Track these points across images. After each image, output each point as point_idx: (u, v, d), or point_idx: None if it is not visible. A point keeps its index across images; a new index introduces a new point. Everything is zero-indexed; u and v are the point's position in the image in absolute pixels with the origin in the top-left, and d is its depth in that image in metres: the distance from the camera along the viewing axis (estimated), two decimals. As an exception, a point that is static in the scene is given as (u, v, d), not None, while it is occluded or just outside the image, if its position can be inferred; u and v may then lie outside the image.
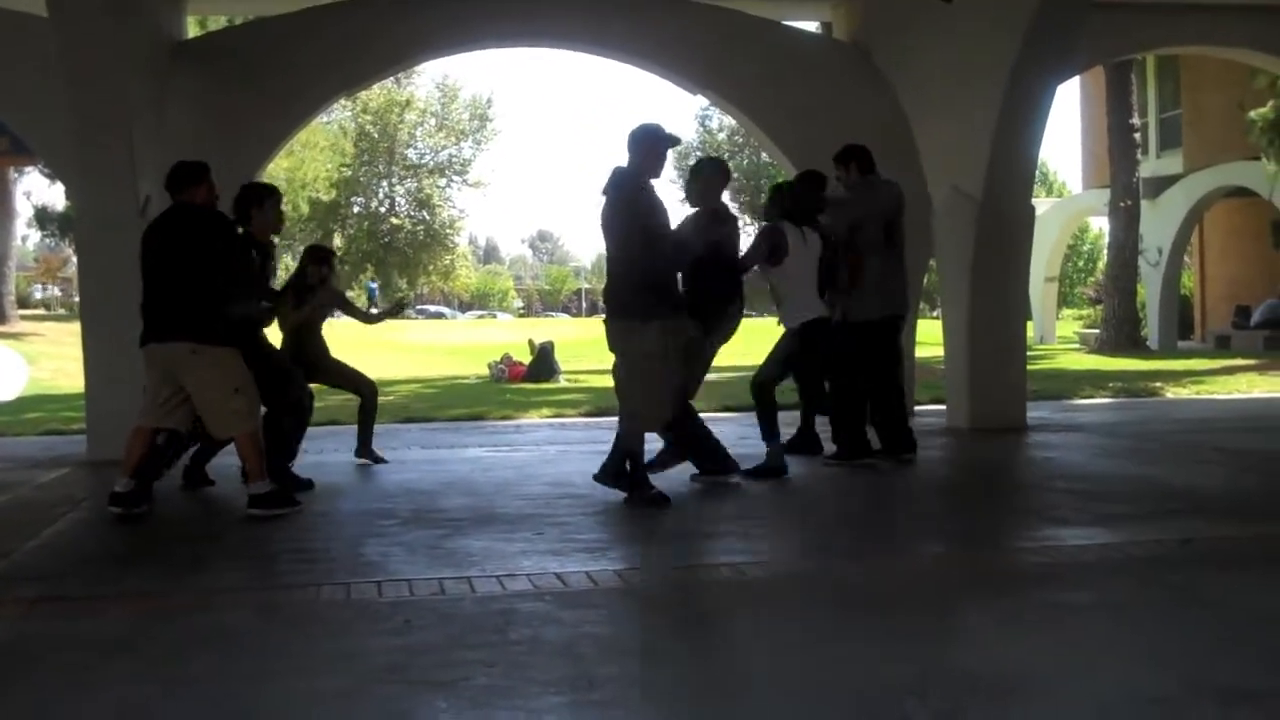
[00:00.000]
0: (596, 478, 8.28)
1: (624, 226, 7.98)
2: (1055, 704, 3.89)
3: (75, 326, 11.76)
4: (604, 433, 10.82)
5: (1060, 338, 35.03)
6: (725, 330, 9.06)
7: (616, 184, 8.02)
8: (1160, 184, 30.19)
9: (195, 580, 6.05)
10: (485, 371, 23.67)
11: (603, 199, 8.10)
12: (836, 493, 8.69)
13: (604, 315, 8.22)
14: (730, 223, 9.18)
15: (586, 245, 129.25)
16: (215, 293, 7.72)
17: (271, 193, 9.16)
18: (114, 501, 7.71)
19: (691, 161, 77.26)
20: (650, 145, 8.09)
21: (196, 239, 7.73)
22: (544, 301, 73.84)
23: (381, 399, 10.50)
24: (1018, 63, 11.35)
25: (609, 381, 8.63)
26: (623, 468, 8.12)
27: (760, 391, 9.20)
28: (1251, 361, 22.97)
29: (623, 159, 8.14)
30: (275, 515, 7.66)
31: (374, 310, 10.42)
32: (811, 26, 16.07)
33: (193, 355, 7.61)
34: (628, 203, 7.97)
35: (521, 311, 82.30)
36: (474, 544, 6.80)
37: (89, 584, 5.99)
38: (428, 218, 66.23)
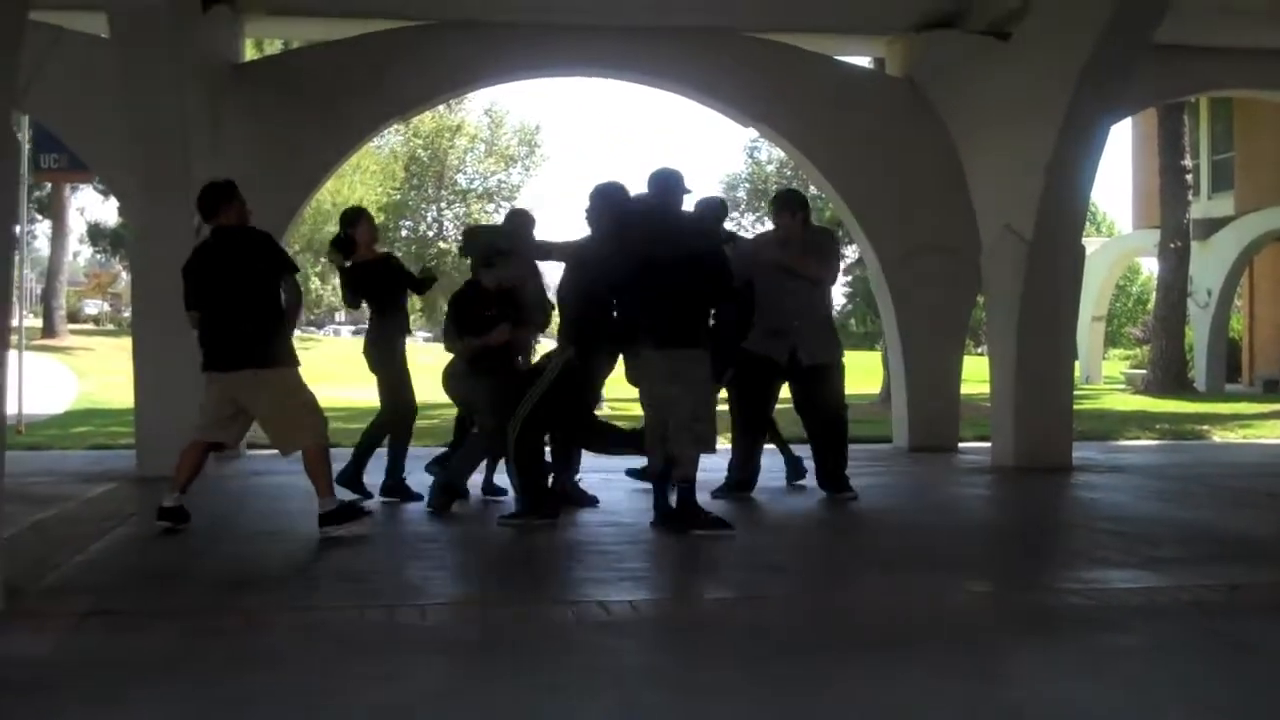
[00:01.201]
0: (666, 524, 8.01)
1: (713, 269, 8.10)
2: (1101, 748, 3.86)
3: (124, 341, 11.91)
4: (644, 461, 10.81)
5: (1106, 378, 34.76)
6: None
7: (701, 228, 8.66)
8: (1211, 226, 29.97)
9: (241, 599, 6.08)
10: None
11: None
12: (876, 527, 8.65)
13: (646, 347, 8.05)
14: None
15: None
16: (271, 314, 7.77)
17: (361, 213, 9.66)
18: (162, 516, 7.77)
19: (740, 192, 76.71)
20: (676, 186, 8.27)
21: (244, 262, 7.80)
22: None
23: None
24: (1072, 102, 11.30)
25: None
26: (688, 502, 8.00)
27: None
28: (1300, 406, 22.75)
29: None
30: (347, 533, 7.62)
31: None
32: (865, 62, 16.08)
33: (255, 378, 7.69)
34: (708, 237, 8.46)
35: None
36: (517, 571, 6.81)
37: (136, 600, 6.04)
38: (475, 243, 66.16)
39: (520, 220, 10.07)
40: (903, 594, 6.42)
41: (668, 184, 8.25)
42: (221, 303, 7.76)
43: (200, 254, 7.99)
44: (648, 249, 8.03)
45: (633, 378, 8.34)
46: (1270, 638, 5.45)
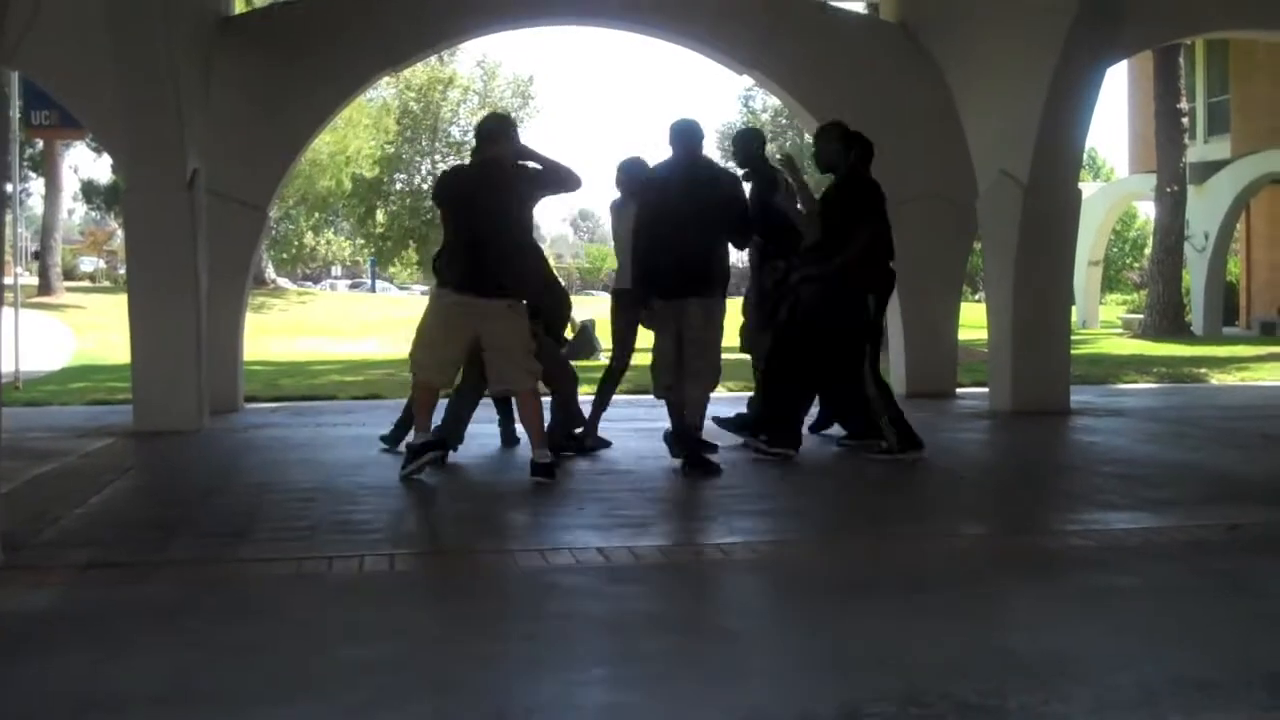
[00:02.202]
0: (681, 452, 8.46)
1: (740, 213, 8.58)
2: (1100, 687, 3.87)
3: (120, 298, 11.85)
4: (645, 410, 10.86)
5: (1103, 322, 34.78)
6: None
7: (730, 177, 8.90)
8: (1207, 169, 29.91)
9: (241, 549, 6.09)
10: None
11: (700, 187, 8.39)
12: (875, 474, 8.66)
13: (693, 294, 8.35)
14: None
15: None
16: (527, 253, 8.12)
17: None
18: (421, 449, 8.01)
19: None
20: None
21: (518, 196, 8.00)
22: (584, 280, 73.81)
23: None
24: (1066, 46, 11.23)
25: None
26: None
27: None
28: (1296, 348, 22.76)
29: (662, 140, 8.59)
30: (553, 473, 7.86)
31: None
32: (859, 7, 15.98)
33: (509, 309, 7.83)
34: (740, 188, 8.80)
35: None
36: (518, 517, 6.83)
37: (137, 551, 6.04)
38: (470, 196, 66.07)
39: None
40: (903, 539, 6.45)
41: (685, 135, 8.52)
42: (489, 230, 7.81)
43: (474, 177, 8.11)
44: (673, 202, 8.30)
45: (654, 322, 8.51)
46: (1268, 576, 5.47)
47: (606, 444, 9.34)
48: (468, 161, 8.53)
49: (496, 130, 8.17)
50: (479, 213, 7.83)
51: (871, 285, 8.74)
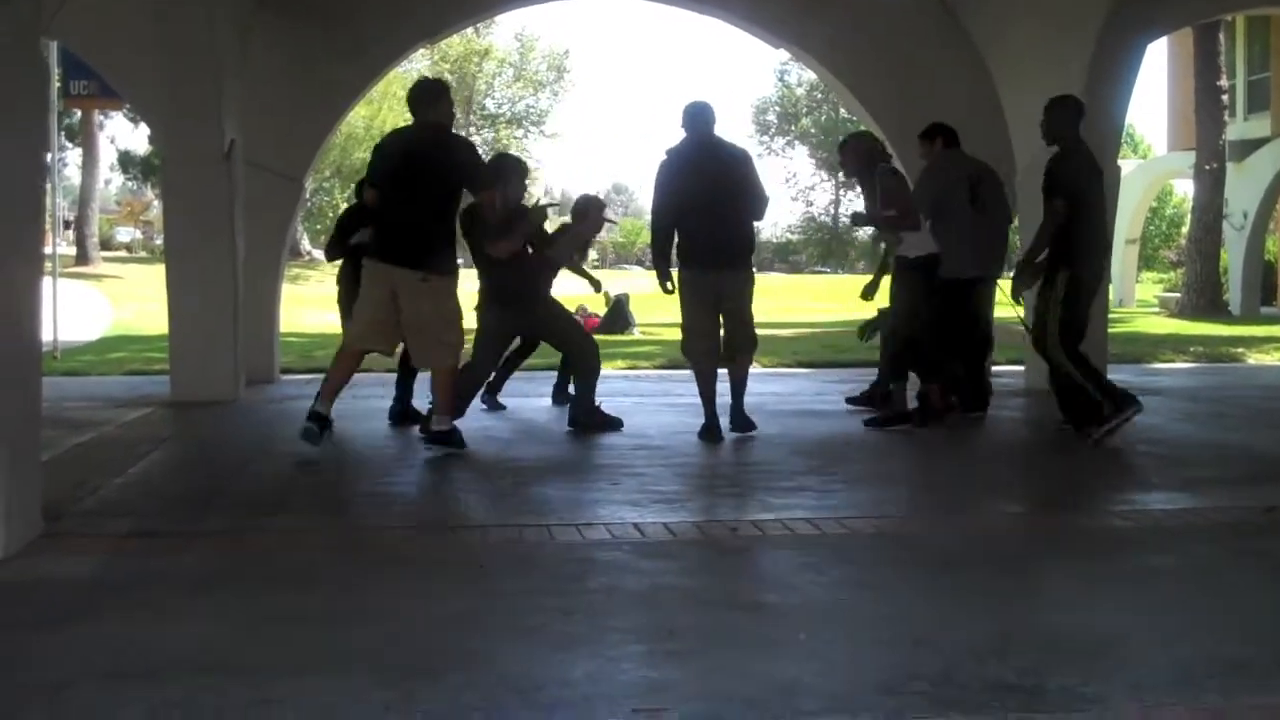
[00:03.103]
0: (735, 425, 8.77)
1: (757, 186, 8.78)
2: (1138, 666, 3.86)
3: (157, 268, 11.93)
4: (678, 384, 10.86)
5: (1140, 301, 34.55)
6: None
7: (744, 153, 8.93)
8: (1247, 147, 29.64)
9: (277, 520, 6.13)
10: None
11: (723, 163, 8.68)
12: (914, 450, 8.64)
13: (730, 267, 8.67)
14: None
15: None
16: (453, 223, 7.87)
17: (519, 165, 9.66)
18: (311, 418, 7.72)
19: (770, 116, 76.39)
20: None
21: (450, 165, 7.71)
22: (618, 254, 73.75)
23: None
24: (1106, 22, 11.14)
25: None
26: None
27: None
28: (1335, 329, 22.55)
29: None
30: (444, 452, 7.77)
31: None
32: (897, -19, 15.85)
33: (423, 283, 7.59)
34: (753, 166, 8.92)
35: (596, 264, 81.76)
36: (550, 493, 6.85)
37: (175, 521, 6.08)
38: (504, 168, 66.18)
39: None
40: (941, 516, 6.43)
41: (699, 117, 8.74)
42: (414, 196, 7.62)
43: (406, 139, 7.94)
44: (698, 180, 8.52)
45: (690, 292, 8.71)
46: (1307, 558, 5.44)
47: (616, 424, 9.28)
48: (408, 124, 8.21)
49: (436, 90, 7.94)
50: (400, 179, 7.70)
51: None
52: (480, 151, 8.12)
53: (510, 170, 9.16)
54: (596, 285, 11.64)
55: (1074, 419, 8.64)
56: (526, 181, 9.62)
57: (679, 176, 8.61)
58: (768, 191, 8.96)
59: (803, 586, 4.91)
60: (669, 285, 8.85)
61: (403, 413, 9.33)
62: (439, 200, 7.69)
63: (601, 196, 11.33)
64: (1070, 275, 8.39)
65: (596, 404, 9.18)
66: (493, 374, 9.77)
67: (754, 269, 9.03)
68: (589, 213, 10.12)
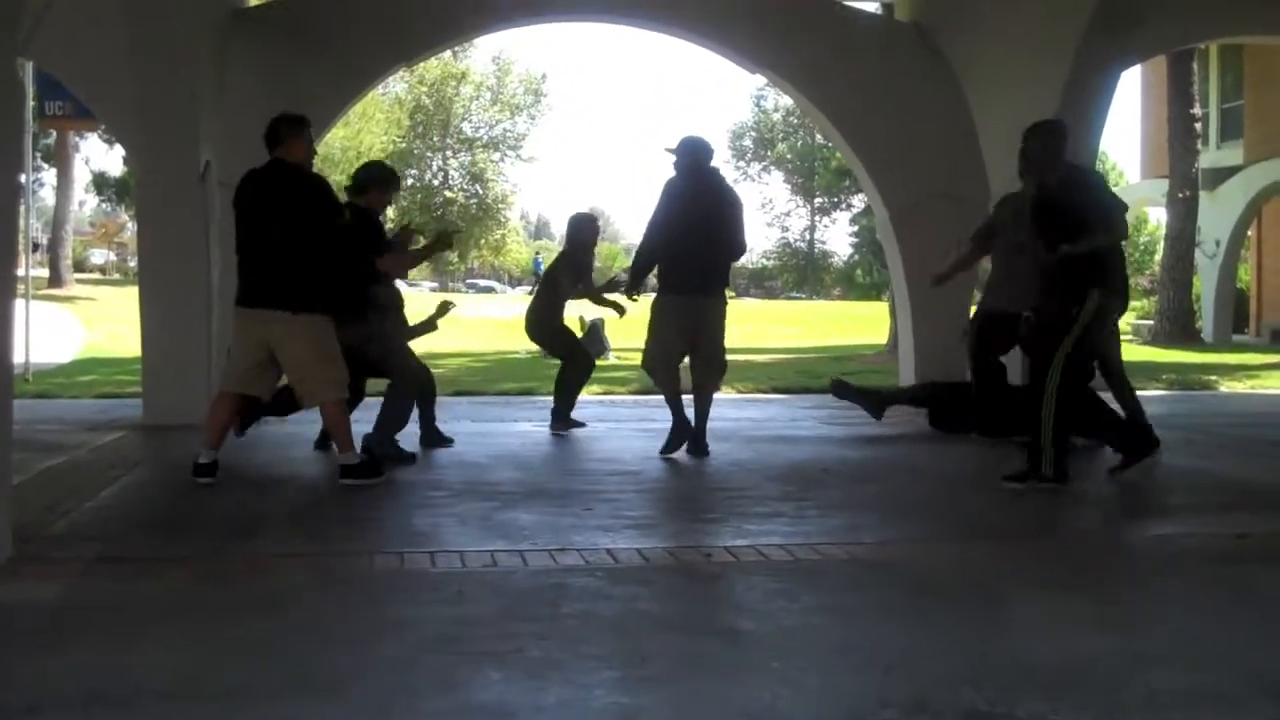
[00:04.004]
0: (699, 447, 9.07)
1: (738, 217, 9.22)
2: (1108, 696, 3.86)
3: (130, 291, 11.89)
4: (653, 410, 10.85)
5: (1113, 328, 34.68)
6: None
7: (737, 198, 9.34)
8: (1219, 175, 29.86)
9: (250, 545, 6.10)
10: (535, 346, 23.60)
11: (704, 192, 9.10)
12: (887, 477, 8.65)
13: (703, 294, 9.03)
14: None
15: (637, 223, 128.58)
16: (314, 259, 7.55)
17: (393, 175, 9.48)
18: (199, 473, 7.68)
19: (746, 141, 76.28)
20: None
21: (297, 201, 7.57)
22: (594, 278, 73.91)
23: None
24: (1080, 49, 11.24)
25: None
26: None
27: None
28: (1307, 356, 22.69)
29: (673, 136, 9.40)
30: (366, 485, 7.66)
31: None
32: (873, 8, 15.96)
33: (289, 323, 7.50)
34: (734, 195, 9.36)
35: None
36: (525, 517, 6.83)
37: (144, 546, 6.06)
38: (480, 191, 66.31)
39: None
40: (914, 542, 6.43)
41: (696, 151, 9.20)
42: (266, 236, 7.52)
43: (254, 180, 7.71)
44: (693, 209, 8.96)
45: (664, 314, 9.08)
46: (1276, 586, 5.46)
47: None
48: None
49: (281, 128, 7.76)
50: (254, 219, 7.61)
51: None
52: (332, 189, 7.99)
53: (376, 180, 9.07)
54: (621, 311, 10.95)
55: (1111, 442, 8.57)
56: (396, 193, 9.50)
57: (679, 201, 9.06)
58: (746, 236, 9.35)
59: (775, 613, 4.91)
60: (635, 295, 9.65)
61: (426, 437, 9.53)
62: (294, 238, 7.52)
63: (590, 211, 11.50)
64: (1100, 302, 7.76)
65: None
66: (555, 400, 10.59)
67: (727, 297, 9.40)
68: (583, 231, 10.53)
